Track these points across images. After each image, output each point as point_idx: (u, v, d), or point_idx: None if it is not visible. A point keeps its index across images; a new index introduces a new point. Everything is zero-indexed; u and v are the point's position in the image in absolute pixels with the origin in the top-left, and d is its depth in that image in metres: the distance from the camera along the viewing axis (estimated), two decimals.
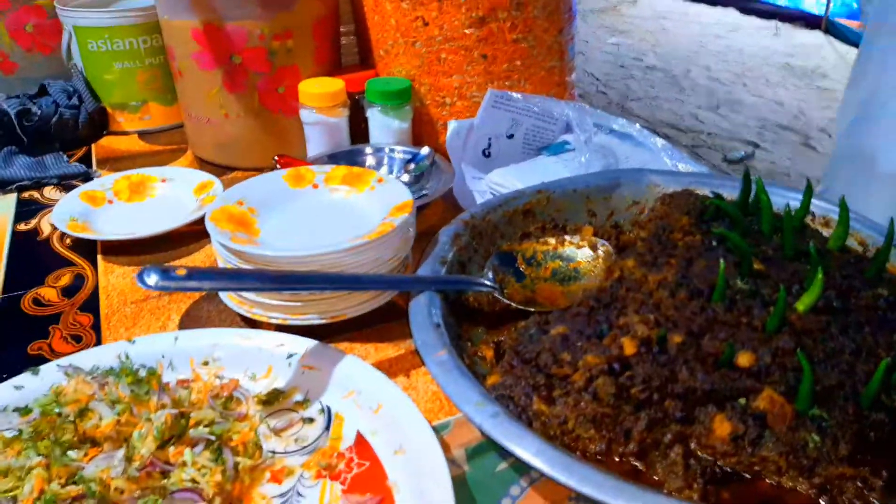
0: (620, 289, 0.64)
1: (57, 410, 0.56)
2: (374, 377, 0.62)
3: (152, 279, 0.55)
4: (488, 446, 0.59)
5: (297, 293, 0.68)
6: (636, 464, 0.54)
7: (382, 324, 0.74)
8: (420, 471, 0.54)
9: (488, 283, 0.71)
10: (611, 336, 0.59)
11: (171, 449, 0.54)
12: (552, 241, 0.79)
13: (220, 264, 0.72)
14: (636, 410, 0.55)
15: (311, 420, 0.62)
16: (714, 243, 0.68)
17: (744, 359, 0.56)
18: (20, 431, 0.57)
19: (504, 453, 0.59)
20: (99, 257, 0.87)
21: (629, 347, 0.57)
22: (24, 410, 0.58)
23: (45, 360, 0.69)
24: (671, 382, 0.55)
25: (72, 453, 0.53)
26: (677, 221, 0.74)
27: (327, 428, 0.61)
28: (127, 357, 0.64)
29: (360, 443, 0.59)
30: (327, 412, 0.62)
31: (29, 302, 0.79)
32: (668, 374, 0.55)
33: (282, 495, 0.55)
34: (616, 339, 0.58)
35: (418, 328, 0.62)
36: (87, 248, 0.89)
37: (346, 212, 0.78)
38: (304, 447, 0.59)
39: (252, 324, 0.72)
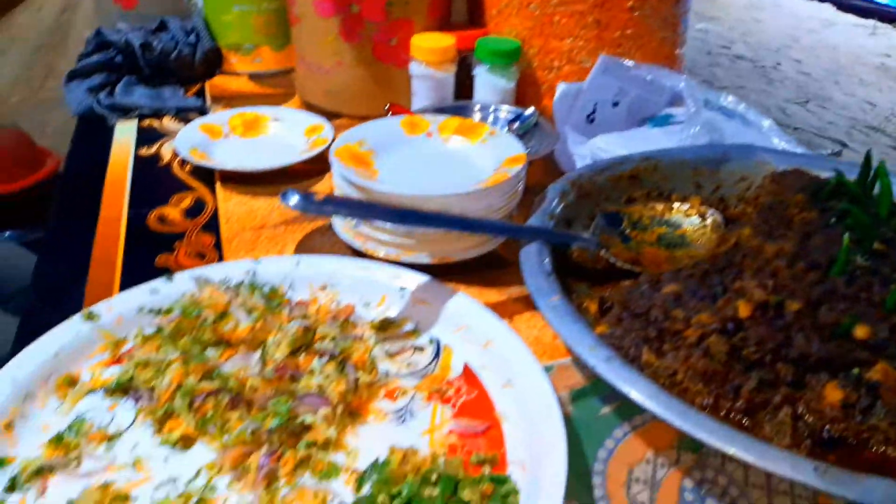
0: (736, 255, 0.64)
1: (196, 313, 0.60)
2: (484, 315, 0.64)
3: (293, 200, 0.58)
4: (591, 391, 0.61)
5: (412, 232, 0.71)
6: (743, 420, 0.55)
7: (486, 271, 0.76)
8: (528, 405, 0.57)
9: (594, 239, 0.73)
10: (725, 298, 0.60)
11: (301, 358, 0.57)
12: (659, 206, 0.80)
13: None
14: (747, 370, 0.56)
15: (421, 349, 0.65)
16: (832, 220, 0.68)
17: (861, 331, 0.56)
18: (159, 329, 0.61)
19: (607, 398, 0.61)
20: (217, 185, 0.92)
21: (744, 310, 0.58)
22: (165, 311, 0.63)
23: (171, 272, 0.74)
24: (785, 347, 0.56)
25: (209, 352, 0.58)
26: (791, 198, 0.74)
27: (436, 357, 0.64)
28: (254, 274, 0.68)
29: (468, 374, 0.62)
30: (436, 343, 0.65)
31: (155, 219, 0.84)
32: (783, 339, 0.56)
33: (396, 411, 0.58)
34: (730, 301, 0.59)
35: (531, 274, 0.64)
36: (206, 176, 0.94)
37: (458, 160, 0.80)
38: (416, 372, 0.62)
39: (363, 258, 0.75)
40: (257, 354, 0.56)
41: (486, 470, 0.53)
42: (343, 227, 0.76)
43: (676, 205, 0.79)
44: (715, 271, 0.63)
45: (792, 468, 0.46)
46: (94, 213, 0.85)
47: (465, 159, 0.81)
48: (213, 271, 0.68)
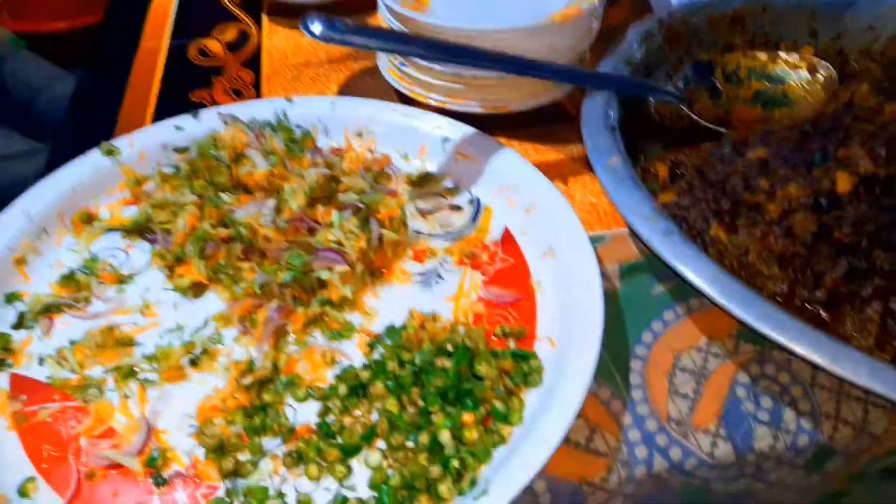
0: (847, 116, 0.52)
1: (213, 153, 0.55)
2: (532, 175, 0.56)
3: (317, 27, 0.51)
4: (646, 266, 0.54)
5: (461, 74, 0.62)
6: (822, 314, 0.46)
7: (546, 125, 0.67)
8: (568, 276, 0.50)
9: (677, 92, 0.62)
10: (823, 168, 0.49)
11: (321, 209, 0.52)
12: (763, 56, 0.66)
13: None
14: (835, 255, 0.47)
15: (458, 208, 0.58)
16: None
17: None
18: (178, 168, 0.57)
19: (664, 276, 0.53)
20: (264, 17, 0.84)
21: (844, 183, 0.48)
22: (181, 149, 0.58)
23: (205, 108, 0.69)
24: (888, 231, 0.46)
25: (224, 196, 0.53)
26: None
27: (474, 219, 0.57)
28: (285, 115, 0.62)
29: (508, 240, 0.55)
30: (476, 203, 0.58)
31: (195, 51, 0.78)
32: (888, 221, 0.46)
33: (422, 274, 0.53)
34: (829, 171, 0.49)
35: (591, 130, 0.55)
36: (255, 6, 0.86)
37: None
38: (449, 233, 0.56)
39: (409, 104, 0.68)
40: (272, 202, 0.51)
41: (511, 344, 0.48)
42: (388, 67, 0.68)
43: (783, 54, 0.66)
44: (816, 134, 0.52)
45: (871, 375, 0.38)
46: (135, 46, 0.80)
47: None
48: (242, 109, 0.63)
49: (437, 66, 0.62)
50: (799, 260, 0.47)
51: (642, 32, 0.66)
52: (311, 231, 0.52)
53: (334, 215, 0.52)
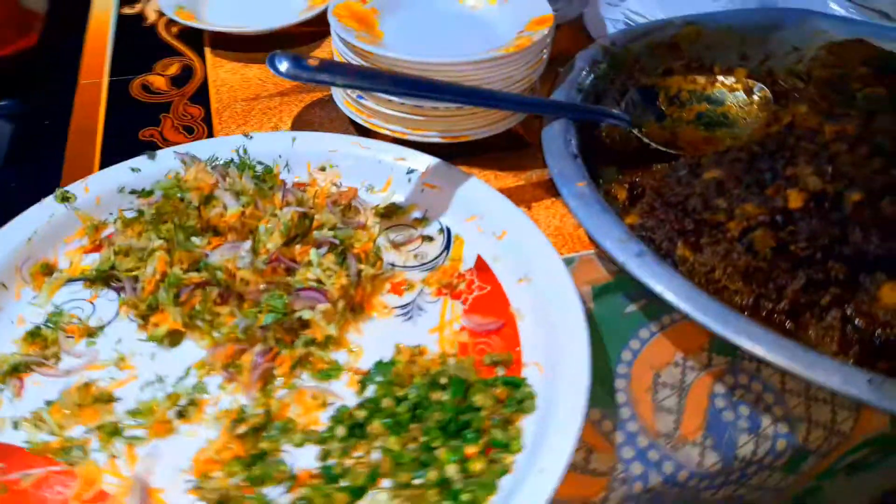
0: (790, 137, 0.57)
1: (179, 196, 0.54)
2: (500, 202, 0.58)
3: (284, 66, 0.50)
4: (616, 287, 0.56)
5: (421, 106, 0.63)
6: (786, 323, 0.49)
7: (503, 152, 0.69)
8: (546, 300, 0.51)
9: (626, 117, 0.65)
10: (774, 186, 0.53)
11: (298, 248, 0.52)
12: (701, 79, 0.71)
13: None
14: (793, 268, 0.50)
15: (430, 238, 0.59)
16: None
17: None
18: (140, 213, 0.55)
19: (634, 296, 0.55)
20: (206, 50, 0.83)
21: (795, 200, 0.52)
22: (144, 192, 0.57)
23: (156, 147, 0.67)
24: (840, 243, 0.50)
25: (195, 240, 0.52)
26: (854, 71, 0.65)
27: (447, 248, 0.58)
28: (245, 151, 0.61)
29: (482, 267, 0.56)
30: (447, 232, 0.59)
31: (138, 87, 0.76)
32: (838, 234, 0.50)
33: (403, 307, 0.53)
34: (780, 189, 0.53)
35: (554, 157, 0.57)
36: (195, 40, 0.84)
37: (474, 23, 0.71)
38: (424, 264, 0.57)
39: (366, 135, 0.68)
40: (248, 244, 0.51)
41: (500, 371, 0.49)
42: (344, 99, 0.68)
43: (720, 78, 0.70)
44: (764, 155, 0.56)
45: (843, 380, 0.41)
46: (73, 80, 0.77)
47: (482, 21, 0.71)
48: (201, 148, 0.61)
49: (396, 99, 0.63)
50: (761, 274, 0.50)
51: (589, 59, 0.69)
52: (289, 271, 0.51)
53: (312, 253, 0.51)
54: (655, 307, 0.54)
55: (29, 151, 0.69)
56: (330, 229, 0.54)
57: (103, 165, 0.65)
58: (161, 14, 0.88)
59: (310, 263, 0.51)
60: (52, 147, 0.68)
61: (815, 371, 0.42)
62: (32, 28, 1.74)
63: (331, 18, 0.65)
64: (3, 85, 1.58)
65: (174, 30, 0.87)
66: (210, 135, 0.69)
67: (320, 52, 0.83)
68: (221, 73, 0.79)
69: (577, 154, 0.58)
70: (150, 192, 0.56)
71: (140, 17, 0.90)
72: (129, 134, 0.69)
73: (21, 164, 0.67)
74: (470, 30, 0.70)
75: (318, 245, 0.53)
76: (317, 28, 0.85)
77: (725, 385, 0.50)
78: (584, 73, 0.67)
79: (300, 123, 0.72)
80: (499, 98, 0.59)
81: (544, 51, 0.68)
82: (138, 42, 0.84)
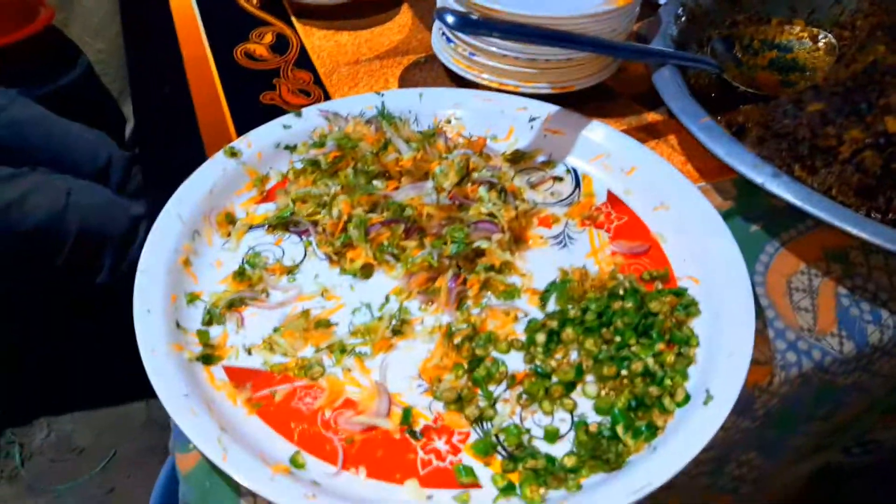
0: (875, 73, 0.64)
1: (361, 144, 0.59)
2: (624, 141, 0.64)
3: (451, 19, 0.56)
4: (736, 211, 0.63)
5: (535, 60, 0.69)
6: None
7: (597, 102, 0.75)
8: (685, 224, 0.58)
9: (716, 63, 0.72)
10: (872, 115, 0.61)
11: (469, 186, 0.57)
12: (769, 30, 0.78)
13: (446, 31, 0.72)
14: None
15: (560, 178, 0.65)
16: None
17: None
18: (313, 163, 0.60)
19: (753, 217, 0.62)
20: (293, 19, 0.86)
21: (893, 125, 0.59)
22: (316, 144, 0.61)
23: (280, 110, 0.72)
24: None
25: (375, 183, 0.57)
26: None
27: (577, 186, 0.64)
28: (384, 106, 0.66)
29: (614, 200, 0.63)
30: (574, 173, 0.65)
31: (242, 55, 0.80)
32: None
33: (555, 237, 0.60)
34: (878, 117, 0.60)
35: (673, 97, 0.64)
36: (278, 10, 0.88)
37: None
38: (562, 200, 0.63)
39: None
40: (430, 183, 0.56)
41: (658, 285, 0.55)
42: (453, 58, 0.73)
43: (787, 27, 0.78)
44: (857, 89, 0.63)
45: None
46: (174, 55, 0.80)
47: None
48: (340, 106, 0.66)
49: (513, 54, 0.69)
50: (871, 190, 0.58)
51: (673, 13, 0.75)
52: (461, 207, 0.57)
53: (481, 190, 0.57)
54: (774, 225, 0.61)
55: (162, 118, 0.72)
56: (486, 170, 0.59)
57: (237, 127, 0.69)
58: None
59: (480, 199, 0.57)
60: (181, 114, 0.71)
61: None
62: (38, 14, 1.73)
63: None
64: (24, 70, 1.57)
65: (255, 1, 0.90)
66: (327, 97, 0.74)
67: (400, 20, 0.87)
68: (315, 40, 0.83)
69: (691, 94, 0.64)
70: (322, 144, 0.61)
71: None
72: (251, 98, 0.73)
73: (160, 128, 0.70)
74: None
75: (481, 184, 0.58)
76: None
77: (846, 287, 0.58)
78: (671, 25, 0.74)
79: (405, 83, 0.77)
80: (619, 48, 0.65)
81: (638, 6, 0.75)
82: (224, 15, 0.87)
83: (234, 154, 0.60)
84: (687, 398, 0.47)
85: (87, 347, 1.59)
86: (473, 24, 0.57)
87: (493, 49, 0.69)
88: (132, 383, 0.75)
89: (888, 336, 0.55)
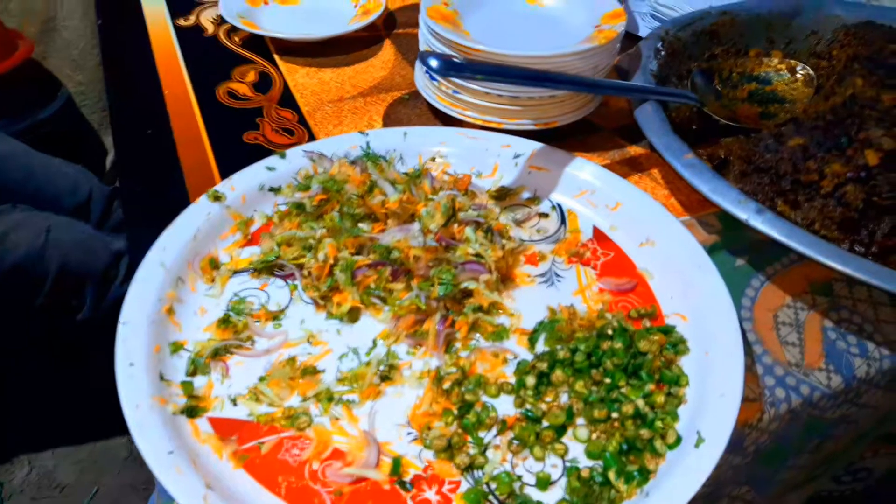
0: (854, 106, 0.65)
1: (346, 187, 0.58)
2: (608, 177, 0.65)
3: (434, 63, 0.56)
4: (722, 245, 0.63)
5: (517, 97, 0.69)
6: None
7: (579, 137, 0.76)
8: (671, 260, 0.58)
9: (696, 97, 0.72)
10: (853, 148, 0.61)
11: (456, 226, 0.57)
12: (747, 62, 0.79)
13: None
14: (879, 216, 0.58)
15: (545, 215, 0.65)
16: None
17: None
18: (297, 206, 0.60)
19: (738, 251, 0.63)
20: (276, 57, 0.86)
21: (873, 159, 0.60)
22: (301, 186, 0.61)
23: (263, 150, 0.71)
24: None
25: (361, 226, 0.57)
26: (885, 47, 0.74)
27: (563, 223, 0.64)
28: (368, 146, 0.66)
29: (600, 237, 0.63)
30: (559, 209, 0.65)
31: (224, 94, 0.80)
32: None
33: (542, 275, 0.59)
34: (858, 150, 0.61)
35: (657, 134, 0.64)
36: (259, 48, 0.88)
37: (548, 19, 0.77)
38: (548, 237, 0.63)
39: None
40: (416, 225, 0.56)
41: (646, 323, 0.55)
42: (437, 95, 0.73)
43: (765, 59, 0.79)
44: (837, 123, 0.64)
45: None
46: (155, 92, 0.79)
47: (554, 18, 0.77)
48: (325, 146, 0.66)
49: (495, 92, 0.69)
50: (853, 223, 0.58)
51: (653, 48, 0.76)
52: (448, 248, 0.57)
53: (468, 231, 0.57)
54: (760, 259, 0.62)
55: (144, 157, 0.71)
56: (472, 210, 0.59)
57: (220, 167, 0.69)
58: (218, 24, 0.91)
59: (467, 240, 0.56)
60: (163, 153, 0.71)
61: None
62: (17, 48, 1.72)
63: (426, 20, 0.70)
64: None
65: (236, 39, 0.90)
66: (311, 136, 0.74)
67: (383, 55, 0.88)
68: (298, 78, 0.83)
69: (673, 130, 0.65)
70: (307, 187, 0.60)
71: (197, 27, 0.92)
72: (234, 138, 0.73)
73: (141, 167, 0.69)
74: (545, 26, 0.77)
75: (466, 224, 0.58)
76: (369, 34, 0.91)
77: (831, 320, 0.58)
78: (651, 60, 0.75)
79: (390, 120, 0.77)
80: (601, 85, 0.66)
81: (618, 43, 0.75)
82: (205, 51, 0.87)
83: (217, 198, 0.60)
84: (678, 440, 0.46)
85: (67, 383, 1.57)
86: (457, 68, 0.57)
87: (476, 87, 0.69)
88: (113, 418, 0.75)
89: (875, 369, 0.56)
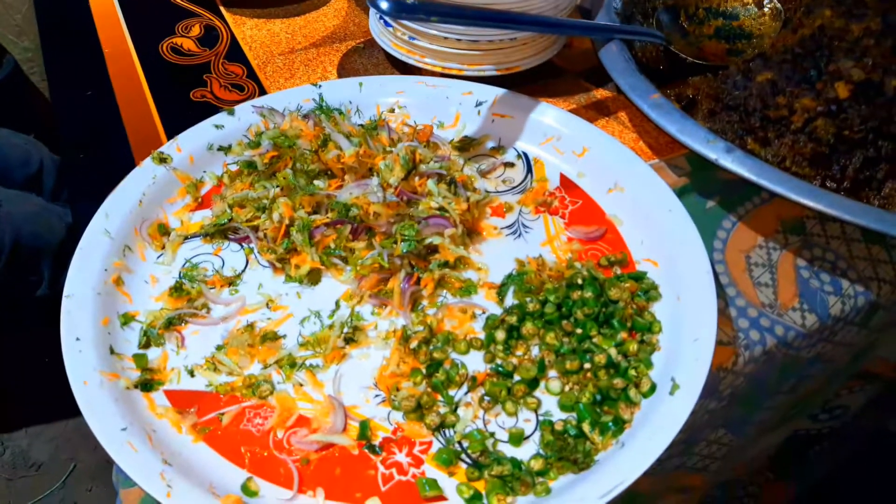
0: (823, 37, 0.63)
1: (298, 143, 0.55)
2: (574, 122, 0.62)
3: (385, 4, 0.52)
4: (692, 188, 0.62)
5: (477, 42, 0.66)
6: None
7: (545, 80, 0.73)
8: (640, 205, 0.56)
9: (662, 35, 0.70)
10: (822, 81, 0.59)
11: (417, 179, 0.54)
12: None
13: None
14: (850, 150, 0.57)
15: (511, 164, 0.63)
16: None
17: None
18: (248, 165, 0.57)
19: (708, 193, 0.61)
20: (221, 9, 0.82)
21: (843, 91, 0.58)
22: (252, 144, 0.58)
23: (212, 107, 0.68)
24: (887, 124, 0.57)
25: (317, 183, 0.54)
26: None
27: (529, 171, 0.62)
28: (322, 99, 0.63)
29: (567, 184, 0.61)
30: (525, 157, 0.63)
31: (168, 51, 0.75)
32: (885, 116, 0.57)
33: (509, 226, 0.57)
34: (828, 83, 0.59)
35: (621, 74, 0.62)
36: (205, 0, 0.83)
37: None
38: (514, 187, 0.61)
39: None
40: (375, 180, 0.53)
41: (617, 271, 0.54)
42: (392, 42, 0.70)
43: None
44: (806, 55, 0.62)
45: None
46: (94, 53, 0.75)
47: None
48: (276, 100, 0.63)
49: (455, 36, 0.66)
50: (824, 158, 0.57)
51: None
52: (410, 202, 0.54)
53: (430, 184, 0.54)
54: (730, 201, 0.60)
55: (85, 122, 0.67)
56: (434, 162, 0.57)
57: (167, 128, 0.65)
58: None
59: (430, 193, 0.54)
60: (105, 116, 0.67)
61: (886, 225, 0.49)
62: None
63: None
64: None
65: None
66: (262, 90, 0.70)
67: (331, 7, 0.83)
68: (246, 30, 0.79)
69: (639, 70, 0.62)
70: (258, 144, 0.57)
71: None
72: (180, 96, 0.69)
73: (82, 134, 0.66)
74: None
75: (428, 177, 0.56)
76: None
77: (804, 258, 0.57)
78: None
79: (345, 71, 0.73)
80: (566, 25, 0.63)
81: None
82: (146, 6, 0.82)
83: (163, 160, 0.57)
84: (653, 388, 0.45)
85: (35, 360, 1.53)
86: (410, 9, 0.53)
87: (434, 32, 0.66)
88: None
89: (849, 306, 0.55)
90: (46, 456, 1.50)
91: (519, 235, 0.57)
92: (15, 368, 1.54)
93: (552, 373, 0.47)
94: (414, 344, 0.48)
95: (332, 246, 0.52)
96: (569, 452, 0.43)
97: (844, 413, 0.73)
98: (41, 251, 1.13)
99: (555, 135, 0.63)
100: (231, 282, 0.52)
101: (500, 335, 0.49)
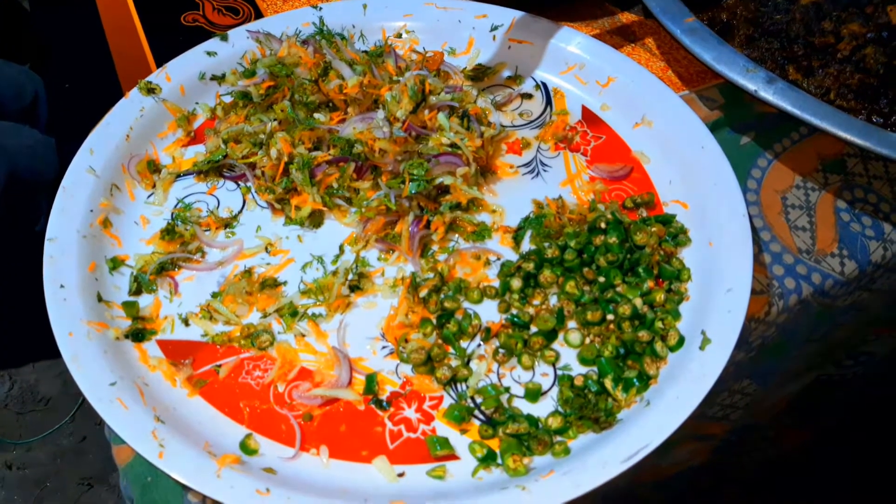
0: None
1: (297, 71, 0.51)
2: (599, 48, 0.57)
3: None
4: (725, 121, 0.57)
5: None
6: None
7: (568, 4, 0.67)
8: (670, 142, 0.52)
9: None
10: (873, 4, 0.54)
11: (426, 112, 0.50)
12: None
13: None
14: None
15: (529, 96, 0.58)
16: None
17: None
18: (243, 96, 0.52)
19: (744, 127, 0.56)
20: None
21: None
22: (246, 73, 0.53)
23: (204, 32, 0.63)
24: None
25: (317, 116, 0.50)
26: None
27: (548, 104, 0.57)
28: (322, 22, 0.58)
29: (590, 118, 0.56)
30: (543, 88, 0.58)
31: None
32: None
33: (527, 164, 0.53)
34: (879, 7, 0.54)
35: None
36: None
37: None
38: (532, 121, 0.56)
39: None
40: (380, 113, 0.49)
41: (643, 213, 0.50)
42: None
43: None
44: None
45: None
46: None
47: None
48: (271, 24, 0.57)
49: None
50: (872, 91, 0.52)
51: None
52: (419, 138, 0.50)
53: (440, 118, 0.50)
54: (767, 136, 0.56)
55: (64, 50, 0.62)
56: (445, 93, 0.52)
57: (157, 56, 0.60)
58: None
59: (440, 128, 0.50)
60: (90, 42, 0.62)
61: None
62: None
63: None
64: None
65: None
66: (258, 14, 0.65)
67: None
68: None
69: None
70: (253, 73, 0.52)
71: None
72: (170, 20, 0.64)
73: (63, 63, 0.61)
74: None
75: (439, 109, 0.51)
76: None
77: (845, 200, 0.53)
78: None
79: None
80: None
81: None
82: None
83: (151, 90, 0.52)
84: (681, 341, 0.42)
85: (38, 294, 1.52)
86: None
87: None
88: None
89: (892, 252, 0.51)
90: (55, 391, 1.51)
91: (537, 174, 0.53)
92: (19, 303, 1.53)
93: (572, 324, 0.44)
94: (424, 292, 0.44)
95: (335, 185, 0.48)
96: (589, 410, 0.40)
97: (869, 360, 0.70)
98: (38, 184, 1.09)
99: (577, 63, 0.58)
100: (227, 224, 0.48)
101: (516, 283, 0.45)
